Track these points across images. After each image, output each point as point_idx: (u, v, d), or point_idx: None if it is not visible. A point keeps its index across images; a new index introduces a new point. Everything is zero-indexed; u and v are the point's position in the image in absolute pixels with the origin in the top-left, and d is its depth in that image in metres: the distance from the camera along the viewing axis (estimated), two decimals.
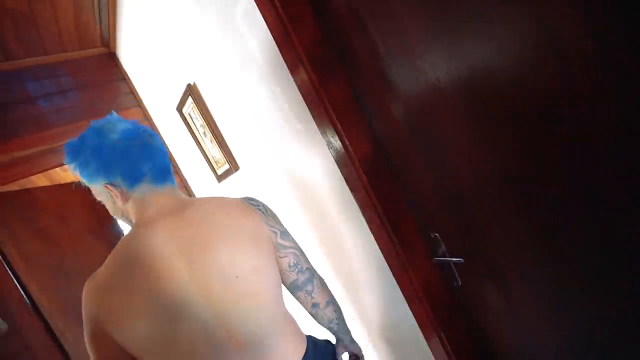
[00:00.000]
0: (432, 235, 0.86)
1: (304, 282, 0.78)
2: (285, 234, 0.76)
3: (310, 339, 0.78)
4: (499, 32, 0.53)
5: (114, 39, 1.90)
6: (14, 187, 2.82)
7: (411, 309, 0.91)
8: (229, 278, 0.64)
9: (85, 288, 0.64)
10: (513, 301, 0.77)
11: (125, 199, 0.68)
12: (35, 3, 1.44)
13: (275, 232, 0.73)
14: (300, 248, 0.79)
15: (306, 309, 0.83)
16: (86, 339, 0.63)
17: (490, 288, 0.81)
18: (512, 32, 0.52)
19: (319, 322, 0.85)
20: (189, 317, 0.61)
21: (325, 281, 0.85)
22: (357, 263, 1.02)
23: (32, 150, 1.73)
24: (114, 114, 0.72)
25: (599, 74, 0.46)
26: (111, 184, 0.66)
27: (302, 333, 0.77)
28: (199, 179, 1.84)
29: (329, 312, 0.83)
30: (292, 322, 0.75)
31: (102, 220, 2.21)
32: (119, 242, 0.67)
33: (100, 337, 0.62)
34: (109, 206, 0.74)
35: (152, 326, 0.60)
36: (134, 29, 1.58)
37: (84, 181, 0.70)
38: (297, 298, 0.80)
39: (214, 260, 0.64)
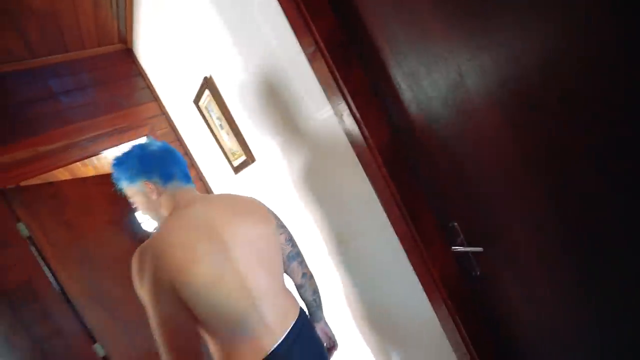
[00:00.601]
0: (450, 225, 0.85)
1: (297, 253, 1.04)
2: (280, 220, 1.02)
3: (300, 307, 0.99)
4: (525, 17, 0.52)
5: (131, 34, 1.93)
6: (38, 180, 2.93)
7: (429, 298, 0.91)
8: (252, 241, 0.89)
9: (141, 254, 0.78)
10: (533, 292, 0.77)
11: (159, 193, 0.91)
12: (59, 2, 1.48)
13: (275, 217, 0.99)
14: (289, 231, 1.04)
15: (296, 280, 1.05)
16: (149, 297, 0.75)
17: (510, 278, 0.80)
18: (537, 18, 0.51)
19: (303, 295, 1.07)
20: (230, 266, 0.83)
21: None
22: (375, 252, 1.03)
23: (56, 145, 1.80)
24: (151, 137, 0.89)
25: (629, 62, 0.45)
26: (150, 181, 0.90)
27: (295, 298, 0.99)
28: (215, 171, 1.87)
29: (313, 284, 1.08)
30: (288, 289, 0.98)
31: (121, 213, 2.28)
32: (166, 221, 0.87)
33: (164, 291, 0.75)
34: (142, 202, 0.94)
35: (207, 270, 0.79)
36: (151, 24, 1.61)
37: (125, 183, 0.93)
38: (291, 268, 1.03)
39: (240, 229, 0.88)
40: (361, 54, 0.80)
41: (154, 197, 0.91)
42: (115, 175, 0.95)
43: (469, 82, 0.65)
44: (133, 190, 0.94)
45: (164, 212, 0.92)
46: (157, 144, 0.96)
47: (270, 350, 0.84)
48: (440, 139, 0.75)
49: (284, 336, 0.88)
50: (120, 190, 0.98)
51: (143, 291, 0.76)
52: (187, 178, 0.96)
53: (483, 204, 0.76)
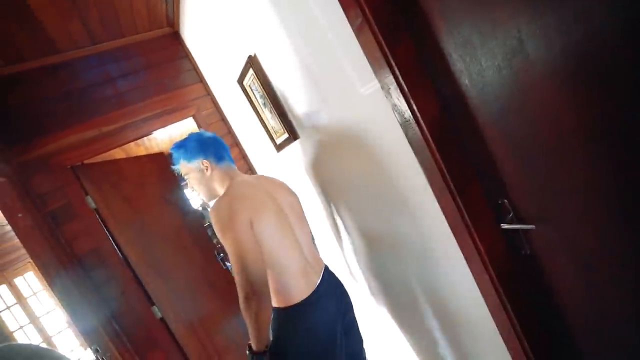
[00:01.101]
0: (500, 202, 0.83)
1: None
2: None
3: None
4: None
5: (178, 17, 2.01)
6: (99, 159, 3.22)
7: (474, 276, 0.90)
8: (292, 204, 1.18)
9: (224, 202, 1.00)
10: (590, 275, 0.73)
11: (212, 169, 1.15)
12: None
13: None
14: None
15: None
16: (236, 232, 0.95)
17: (564, 259, 0.77)
18: None
19: None
20: (284, 216, 1.10)
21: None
22: (417, 228, 1.03)
23: (115, 125, 1.96)
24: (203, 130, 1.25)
25: None
26: (206, 159, 1.14)
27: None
28: (258, 149, 1.94)
29: None
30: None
31: (171, 190, 2.46)
32: (232, 186, 1.09)
33: (246, 227, 0.96)
34: (196, 178, 1.16)
35: (270, 214, 1.04)
36: (197, 5, 1.66)
37: (184, 162, 1.15)
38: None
39: (282, 194, 1.16)
40: (411, 23, 0.78)
41: (208, 173, 1.14)
42: (175, 156, 1.17)
43: (529, 48, 0.61)
44: (190, 167, 1.15)
45: (217, 185, 1.16)
46: (209, 133, 1.21)
47: (317, 283, 1.11)
48: (492, 111, 0.72)
49: (321, 275, 1.14)
50: (177, 170, 1.19)
51: (230, 229, 0.96)
52: (233, 161, 1.22)
53: (537, 179, 0.72)
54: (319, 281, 1.11)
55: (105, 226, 1.90)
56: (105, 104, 1.94)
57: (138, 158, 2.45)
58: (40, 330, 5.03)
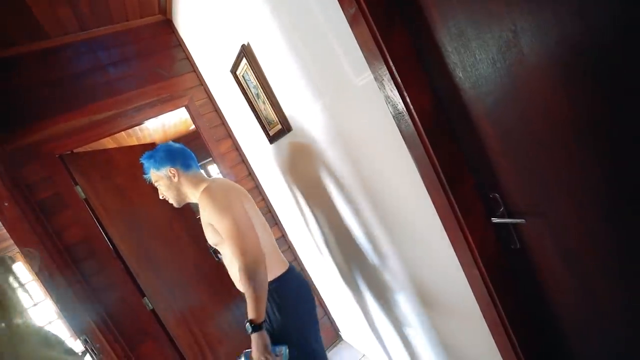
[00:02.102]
0: (491, 195, 0.83)
1: None
2: None
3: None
4: None
5: (170, 5, 1.97)
6: (89, 148, 3.17)
7: (464, 270, 0.91)
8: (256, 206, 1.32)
9: (218, 188, 1.17)
10: (579, 269, 0.74)
11: (180, 176, 1.25)
12: None
13: None
14: None
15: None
16: (239, 214, 1.11)
17: (553, 253, 0.77)
18: None
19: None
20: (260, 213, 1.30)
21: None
22: (411, 222, 1.03)
23: (106, 114, 1.92)
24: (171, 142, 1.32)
25: None
26: (173, 167, 1.25)
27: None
28: (251, 141, 1.92)
29: None
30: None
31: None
32: (215, 183, 1.21)
33: (243, 209, 1.14)
34: (165, 184, 1.26)
35: (254, 208, 1.25)
36: None
37: (153, 170, 1.26)
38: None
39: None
40: (405, 14, 0.77)
41: (175, 179, 1.25)
42: (145, 165, 1.27)
43: (523, 41, 0.60)
44: (159, 175, 1.26)
45: (187, 189, 1.26)
46: (178, 144, 1.33)
47: (289, 264, 1.29)
48: (486, 104, 0.72)
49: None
50: (149, 179, 1.30)
51: (229, 210, 1.10)
52: (200, 169, 1.33)
53: (528, 173, 0.72)
54: (289, 264, 1.31)
55: (96, 217, 1.87)
56: (96, 92, 1.90)
57: (130, 148, 2.42)
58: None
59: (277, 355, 1.12)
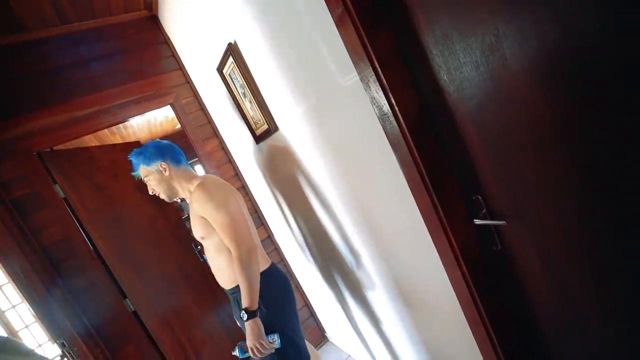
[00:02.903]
0: (474, 197, 0.84)
1: None
2: None
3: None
4: None
5: (156, 1, 1.93)
6: (70, 146, 3.07)
7: (447, 271, 0.92)
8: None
9: (213, 184, 1.21)
10: (557, 270, 0.76)
11: (170, 170, 1.27)
12: None
13: None
14: None
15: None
16: (235, 208, 1.17)
17: (533, 254, 0.79)
18: None
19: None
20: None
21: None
22: (393, 222, 1.03)
23: (88, 110, 1.86)
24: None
25: None
26: (164, 162, 1.26)
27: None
28: (238, 140, 1.90)
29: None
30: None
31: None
32: (208, 179, 1.23)
33: (240, 204, 1.22)
34: (156, 179, 1.26)
35: (245, 205, 1.29)
36: None
37: (143, 166, 1.26)
38: None
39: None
40: (391, 15, 0.77)
41: (167, 173, 1.26)
42: (134, 162, 1.27)
43: (505, 46, 0.61)
44: (149, 170, 1.26)
45: (177, 184, 1.28)
46: (166, 141, 1.34)
47: (271, 261, 1.36)
48: (469, 107, 0.73)
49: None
50: (137, 175, 1.29)
51: (225, 204, 1.15)
52: (190, 165, 1.34)
53: (509, 176, 0.74)
54: (271, 261, 1.37)
55: (76, 216, 1.82)
56: (78, 88, 1.84)
57: (112, 146, 2.36)
58: (6, 325, 4.80)
59: (270, 342, 1.16)
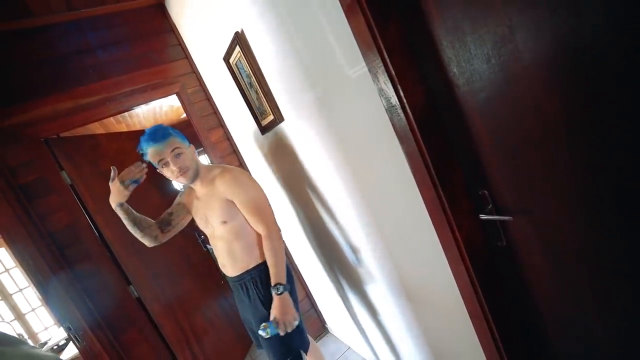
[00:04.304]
0: (480, 192, 0.83)
1: None
2: None
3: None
4: None
5: None
6: (76, 133, 3.08)
7: (450, 265, 0.92)
8: None
9: (245, 173, 1.31)
10: (564, 268, 0.75)
11: (194, 155, 1.31)
12: None
13: None
14: None
15: None
16: (262, 193, 1.29)
17: (538, 251, 0.78)
18: None
19: None
20: None
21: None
22: (397, 215, 1.03)
23: (94, 98, 1.86)
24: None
25: None
26: (191, 145, 1.32)
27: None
28: (243, 131, 1.89)
29: None
30: None
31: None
32: (228, 167, 1.31)
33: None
34: (189, 157, 1.26)
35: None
36: None
37: (185, 144, 1.27)
38: None
39: None
40: (401, 5, 0.76)
41: (195, 156, 1.30)
42: (170, 131, 1.26)
43: (518, 37, 0.60)
44: (188, 150, 1.27)
45: (199, 169, 1.29)
46: None
47: None
48: (478, 100, 0.72)
49: None
50: (168, 143, 1.22)
51: (254, 189, 1.26)
52: None
53: (518, 171, 0.73)
54: None
55: (82, 203, 1.83)
56: (84, 75, 1.84)
57: (118, 134, 2.37)
58: (13, 308, 4.90)
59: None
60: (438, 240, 0.91)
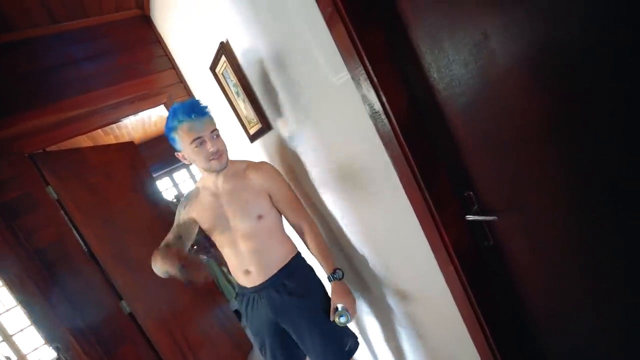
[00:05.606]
0: (465, 194, 0.85)
1: None
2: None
3: None
4: None
5: (148, 0, 1.91)
6: (62, 147, 3.04)
7: (440, 266, 0.93)
8: None
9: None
10: (548, 264, 0.77)
11: None
12: None
13: None
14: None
15: None
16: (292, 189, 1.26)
17: (524, 248, 0.80)
18: None
19: None
20: None
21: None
22: (386, 219, 1.04)
23: (79, 111, 1.85)
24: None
25: None
26: None
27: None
28: (232, 139, 1.89)
29: None
30: None
31: (141, 180, 2.37)
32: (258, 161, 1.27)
33: None
34: (224, 144, 1.17)
35: None
36: None
37: (213, 121, 1.13)
38: None
39: None
40: (381, 14, 0.77)
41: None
42: (209, 112, 1.12)
43: (493, 42, 0.62)
44: (217, 127, 1.13)
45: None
46: None
47: None
48: (459, 104, 0.73)
49: None
50: (206, 120, 1.09)
51: (287, 183, 1.23)
52: None
53: (500, 171, 0.74)
54: None
55: (69, 218, 1.81)
56: (69, 88, 1.83)
57: (106, 147, 2.34)
58: (0, 330, 4.75)
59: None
60: (428, 243, 0.92)
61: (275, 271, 1.20)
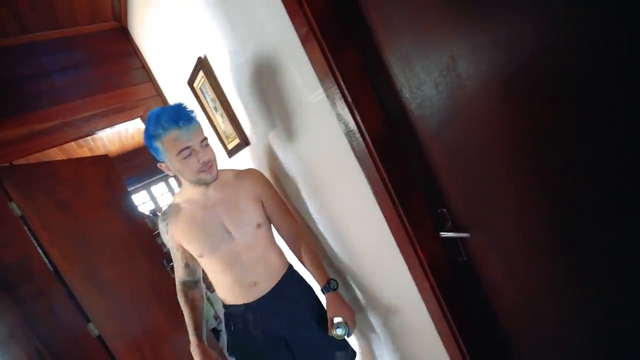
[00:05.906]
0: (439, 211, 0.86)
1: None
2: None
3: None
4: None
5: (126, 12, 1.89)
6: (32, 160, 2.90)
7: (416, 283, 0.93)
8: None
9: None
10: (517, 278, 0.78)
11: None
12: None
13: None
14: None
15: None
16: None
17: (495, 264, 0.81)
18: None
19: None
20: None
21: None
22: (363, 236, 1.04)
23: (50, 123, 1.77)
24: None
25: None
26: None
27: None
28: None
29: None
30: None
31: (116, 195, 2.28)
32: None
33: None
34: (214, 153, 1.05)
35: None
36: (145, 1, 1.57)
37: (201, 129, 1.01)
38: None
39: None
40: (356, 34, 0.79)
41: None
42: (196, 119, 0.99)
43: (460, 66, 0.64)
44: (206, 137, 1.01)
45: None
46: None
47: None
48: (431, 124, 0.75)
49: None
50: (195, 127, 0.97)
51: (276, 190, 1.19)
52: None
53: (471, 189, 0.76)
54: None
55: (34, 236, 1.71)
56: (40, 99, 1.75)
57: (78, 160, 2.25)
58: None
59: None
60: (403, 259, 0.92)
61: (279, 278, 1.14)
